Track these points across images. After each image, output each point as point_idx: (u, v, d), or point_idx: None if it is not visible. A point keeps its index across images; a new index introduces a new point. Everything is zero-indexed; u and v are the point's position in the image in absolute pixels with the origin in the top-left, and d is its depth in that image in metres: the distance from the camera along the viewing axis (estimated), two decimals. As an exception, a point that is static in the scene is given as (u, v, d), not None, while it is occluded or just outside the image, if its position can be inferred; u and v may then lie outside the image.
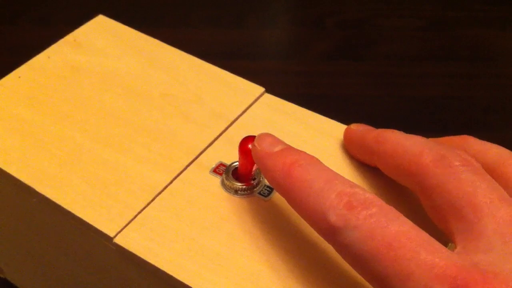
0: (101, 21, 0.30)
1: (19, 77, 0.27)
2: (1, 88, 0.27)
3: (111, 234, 0.21)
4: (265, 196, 0.22)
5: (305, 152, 0.19)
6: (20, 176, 0.23)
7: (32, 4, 0.55)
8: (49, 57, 0.28)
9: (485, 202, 0.17)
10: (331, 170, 0.18)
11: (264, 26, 0.53)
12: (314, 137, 0.24)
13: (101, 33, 0.30)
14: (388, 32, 0.54)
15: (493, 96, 0.48)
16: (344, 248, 0.17)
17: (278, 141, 0.20)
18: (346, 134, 0.23)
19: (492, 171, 0.19)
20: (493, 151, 0.21)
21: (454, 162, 0.18)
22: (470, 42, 0.53)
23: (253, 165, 0.22)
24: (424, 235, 0.16)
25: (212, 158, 0.24)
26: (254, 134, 0.21)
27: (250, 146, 0.21)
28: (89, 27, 0.30)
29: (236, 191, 0.22)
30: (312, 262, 0.20)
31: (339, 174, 0.18)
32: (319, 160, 0.19)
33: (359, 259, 0.16)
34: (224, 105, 0.26)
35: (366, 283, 0.17)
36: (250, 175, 0.22)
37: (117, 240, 0.21)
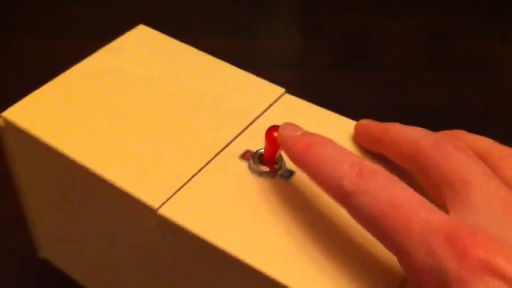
0: (141, 29, 0.35)
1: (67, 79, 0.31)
2: (52, 86, 0.31)
3: (155, 206, 0.25)
4: (286, 179, 0.26)
5: (321, 135, 0.23)
6: (67, 151, 0.27)
7: (60, 17, 0.59)
8: (95, 61, 0.32)
9: (474, 177, 0.21)
10: (344, 148, 0.22)
11: (268, 37, 0.57)
12: (330, 134, 0.28)
13: (141, 40, 0.34)
14: (388, 43, 0.57)
15: (490, 105, 0.51)
16: (356, 210, 0.20)
17: (299, 127, 0.24)
18: (357, 127, 0.27)
19: (480, 158, 0.23)
20: (482, 141, 0.24)
21: (448, 145, 0.22)
22: (468, 53, 0.57)
23: (276, 151, 0.25)
24: (422, 198, 0.20)
25: (240, 147, 0.28)
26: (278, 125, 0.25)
27: (275, 134, 0.25)
28: (131, 35, 0.34)
29: (260, 174, 0.26)
30: (327, 230, 0.24)
31: (350, 151, 0.22)
32: (333, 141, 0.23)
33: (369, 219, 0.20)
34: (249, 103, 0.30)
35: (374, 242, 0.21)
36: (273, 160, 0.26)
37: (161, 212, 0.25)
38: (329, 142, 0.23)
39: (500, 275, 0.17)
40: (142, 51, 0.33)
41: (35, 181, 0.32)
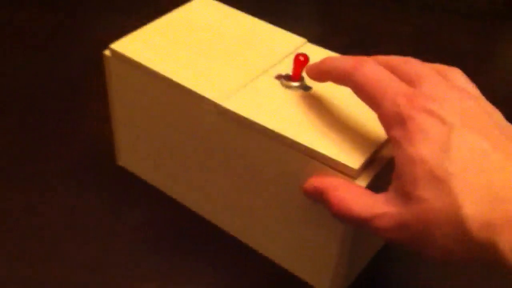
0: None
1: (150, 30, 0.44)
2: (144, 31, 0.44)
3: (218, 101, 0.38)
4: (305, 91, 0.39)
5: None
6: (158, 69, 0.40)
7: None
8: (170, 17, 0.46)
9: (424, 72, 0.33)
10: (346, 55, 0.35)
11: (295, 25, 0.70)
12: None
13: (202, 5, 0.47)
14: (388, 34, 0.70)
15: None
16: (355, 83, 0.33)
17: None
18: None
19: (393, 68, 0.34)
20: (393, 57, 0.34)
21: (367, 63, 0.34)
22: (449, 45, 0.69)
23: (299, 69, 0.38)
24: (395, 77, 0.32)
25: (274, 71, 0.41)
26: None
27: (300, 57, 0.38)
28: (195, 2, 0.47)
29: (289, 87, 0.39)
30: (333, 112, 0.37)
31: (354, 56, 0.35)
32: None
33: (363, 88, 0.33)
34: (282, 46, 0.43)
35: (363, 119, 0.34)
36: (298, 77, 0.39)
37: (224, 104, 0.38)
38: (337, 55, 0.36)
39: (434, 115, 0.30)
40: (205, 11, 0.46)
41: (127, 100, 0.45)
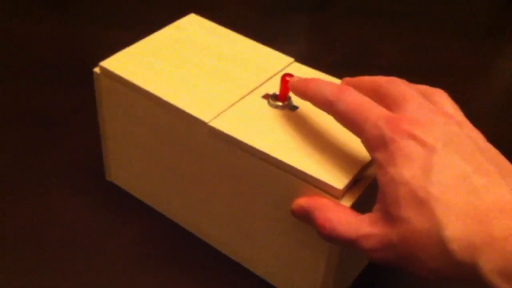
0: (192, 16, 0.49)
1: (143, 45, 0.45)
2: (133, 49, 0.44)
3: (206, 120, 0.38)
4: (292, 111, 0.39)
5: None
6: (146, 87, 0.40)
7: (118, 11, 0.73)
8: (161, 34, 0.46)
9: (408, 94, 0.33)
10: (327, 80, 0.35)
11: (289, 43, 0.71)
12: None
13: (193, 23, 0.48)
14: (380, 52, 0.71)
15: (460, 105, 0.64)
16: (337, 112, 0.33)
17: (302, 77, 0.37)
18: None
19: (377, 88, 0.34)
20: (378, 77, 0.35)
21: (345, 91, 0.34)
22: (442, 62, 0.70)
23: (286, 89, 0.39)
24: (375, 103, 0.33)
25: (261, 91, 0.41)
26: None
27: (287, 78, 0.38)
28: (186, 20, 0.48)
29: (276, 106, 0.40)
30: (318, 134, 0.37)
31: (331, 81, 0.35)
32: (320, 79, 0.36)
33: (345, 115, 0.33)
34: (270, 65, 0.43)
35: (346, 141, 0.34)
36: (284, 97, 0.39)
37: (212, 124, 0.38)
38: (318, 78, 0.36)
39: (415, 138, 0.30)
40: (195, 29, 0.47)
41: (116, 117, 0.45)
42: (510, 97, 0.66)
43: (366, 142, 0.32)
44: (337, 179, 0.34)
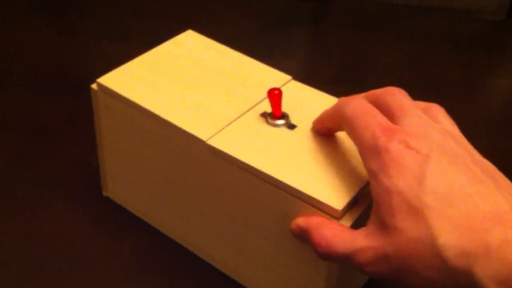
0: (190, 33, 0.48)
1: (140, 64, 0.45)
2: (130, 66, 0.44)
3: (204, 138, 0.38)
4: (290, 129, 0.39)
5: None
6: (143, 104, 0.40)
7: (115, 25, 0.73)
8: (158, 51, 0.46)
9: (407, 107, 0.33)
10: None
11: (287, 56, 0.71)
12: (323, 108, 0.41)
13: (191, 39, 0.47)
14: (378, 66, 0.71)
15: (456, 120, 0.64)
16: (343, 115, 0.34)
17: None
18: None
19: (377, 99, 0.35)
20: (380, 90, 0.35)
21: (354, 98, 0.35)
22: (438, 77, 0.70)
23: (278, 106, 0.39)
24: (379, 112, 0.33)
25: (259, 109, 0.41)
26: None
27: (275, 92, 0.38)
28: (183, 36, 0.48)
29: (274, 125, 0.39)
30: (317, 152, 0.37)
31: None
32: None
33: (348, 120, 0.34)
34: (267, 83, 0.43)
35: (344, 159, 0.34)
36: (278, 114, 0.39)
37: (210, 142, 0.38)
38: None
39: (410, 147, 0.30)
40: (193, 46, 0.47)
41: (114, 133, 0.45)
42: (505, 112, 0.66)
43: (362, 151, 0.33)
44: (336, 200, 0.34)
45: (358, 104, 0.34)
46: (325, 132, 0.39)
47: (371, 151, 0.32)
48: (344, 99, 0.35)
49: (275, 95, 0.39)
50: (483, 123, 0.62)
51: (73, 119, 0.57)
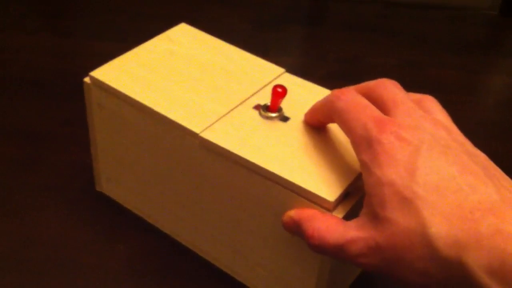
0: (183, 26, 0.48)
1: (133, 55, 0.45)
2: (123, 59, 0.44)
3: (197, 131, 0.38)
4: (283, 122, 0.39)
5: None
6: (137, 97, 0.40)
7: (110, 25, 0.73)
8: (151, 45, 0.46)
9: (398, 99, 0.33)
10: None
11: (282, 56, 0.71)
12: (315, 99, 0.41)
13: (184, 32, 0.47)
14: (373, 67, 0.71)
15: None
16: (335, 109, 0.34)
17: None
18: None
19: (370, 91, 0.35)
20: (373, 81, 0.35)
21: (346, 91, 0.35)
22: (434, 79, 0.70)
23: (277, 100, 0.38)
24: (370, 104, 0.33)
25: (253, 102, 0.41)
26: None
27: (278, 89, 0.38)
28: (177, 29, 0.48)
29: (267, 117, 0.39)
30: (310, 144, 0.37)
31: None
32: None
33: (340, 113, 0.34)
34: (261, 75, 0.43)
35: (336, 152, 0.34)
36: (276, 108, 0.39)
37: (203, 135, 0.37)
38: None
39: (401, 139, 0.31)
40: (186, 39, 0.47)
41: (107, 127, 0.45)
42: (501, 112, 0.66)
43: (354, 142, 0.33)
44: (329, 192, 0.34)
45: (350, 97, 0.34)
46: (316, 124, 0.38)
47: (363, 143, 0.32)
48: (335, 91, 0.35)
49: (277, 93, 0.38)
50: (479, 123, 0.62)
51: (69, 122, 0.57)
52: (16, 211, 0.48)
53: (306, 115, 0.39)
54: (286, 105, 0.40)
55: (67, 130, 0.56)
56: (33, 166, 0.52)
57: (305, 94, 0.42)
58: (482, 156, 0.32)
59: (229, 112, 0.40)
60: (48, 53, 0.68)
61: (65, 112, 0.58)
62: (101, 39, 0.71)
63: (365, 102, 0.34)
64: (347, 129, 0.33)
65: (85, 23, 0.74)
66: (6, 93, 0.61)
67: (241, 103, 0.41)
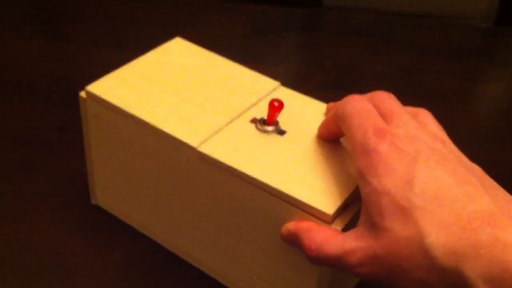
0: (178, 40, 0.48)
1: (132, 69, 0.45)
2: (119, 73, 0.44)
3: (195, 145, 0.38)
4: (280, 135, 0.39)
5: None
6: (133, 112, 0.40)
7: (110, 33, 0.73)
8: (146, 59, 0.46)
9: (395, 111, 0.34)
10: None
11: (278, 63, 0.71)
12: (311, 114, 0.41)
13: (179, 46, 0.47)
14: (368, 74, 0.71)
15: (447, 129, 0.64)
16: (341, 113, 0.34)
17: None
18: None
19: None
20: (374, 92, 0.36)
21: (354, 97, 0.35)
22: (429, 85, 0.70)
23: (274, 114, 0.39)
24: (376, 112, 0.33)
25: (249, 115, 0.41)
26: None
27: (275, 103, 0.38)
28: (171, 43, 0.48)
29: (264, 131, 0.39)
30: (301, 159, 0.37)
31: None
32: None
33: (345, 118, 0.34)
34: (257, 89, 0.43)
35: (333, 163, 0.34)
36: (273, 122, 0.39)
37: (200, 149, 0.38)
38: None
39: (398, 149, 0.31)
40: (181, 53, 0.47)
41: (103, 141, 0.44)
42: (495, 119, 0.67)
43: (353, 149, 0.33)
44: (327, 204, 0.34)
45: (359, 103, 0.34)
46: (330, 136, 0.39)
47: (361, 150, 0.32)
48: (346, 98, 0.36)
49: (274, 107, 0.39)
50: (473, 131, 0.62)
51: (65, 128, 0.57)
52: (11, 216, 0.48)
53: (320, 128, 0.39)
54: (282, 118, 0.40)
55: (63, 136, 0.56)
56: (28, 171, 0.52)
57: (300, 107, 0.42)
58: (476, 167, 0.32)
59: (226, 125, 0.40)
60: (44, 58, 0.68)
61: (60, 118, 0.58)
62: (97, 45, 0.71)
63: (372, 110, 0.34)
64: (350, 135, 0.34)
65: (81, 29, 0.74)
66: (1, 99, 0.61)
67: (237, 117, 0.41)
